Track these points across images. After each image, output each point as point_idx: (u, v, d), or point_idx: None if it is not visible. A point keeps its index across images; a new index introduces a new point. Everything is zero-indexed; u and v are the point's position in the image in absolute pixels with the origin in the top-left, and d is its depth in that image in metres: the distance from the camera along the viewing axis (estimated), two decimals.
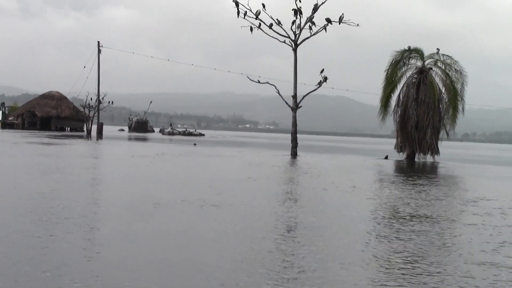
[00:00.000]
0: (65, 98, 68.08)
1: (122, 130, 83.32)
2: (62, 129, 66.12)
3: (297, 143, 29.05)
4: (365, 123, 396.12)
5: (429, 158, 29.23)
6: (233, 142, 52.38)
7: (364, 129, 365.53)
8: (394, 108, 29.70)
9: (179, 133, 73.57)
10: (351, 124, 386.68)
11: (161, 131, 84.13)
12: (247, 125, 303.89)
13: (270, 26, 28.81)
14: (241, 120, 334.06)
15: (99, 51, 59.06)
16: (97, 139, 42.56)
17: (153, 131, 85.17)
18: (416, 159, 29.25)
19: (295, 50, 29.25)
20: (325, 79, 28.86)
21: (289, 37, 29.11)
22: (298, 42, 29.13)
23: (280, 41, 29.36)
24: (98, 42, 59.15)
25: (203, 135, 74.37)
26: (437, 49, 29.47)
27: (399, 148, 29.72)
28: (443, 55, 29.33)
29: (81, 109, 59.43)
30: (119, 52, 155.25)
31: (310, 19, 28.70)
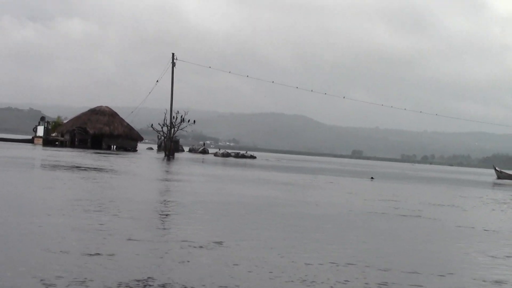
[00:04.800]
0: (117, 114, 61.24)
1: (151, 148, 76.63)
2: (109, 148, 59.11)
3: None
4: (322, 142, 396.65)
5: None
6: (373, 173, 47.04)
7: (321, 148, 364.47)
8: None
9: (230, 155, 67.20)
10: (306, 143, 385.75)
11: (193, 151, 78.22)
12: (208, 142, 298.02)
13: None
14: (201, 136, 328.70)
15: (174, 64, 53.03)
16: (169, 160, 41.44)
17: (183, 150, 78.92)
18: None
19: None
20: None
21: None
22: None
23: None
24: (173, 54, 53.17)
25: (255, 157, 68.45)
26: None
27: None
28: None
29: (158, 128, 53.38)
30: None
31: None
